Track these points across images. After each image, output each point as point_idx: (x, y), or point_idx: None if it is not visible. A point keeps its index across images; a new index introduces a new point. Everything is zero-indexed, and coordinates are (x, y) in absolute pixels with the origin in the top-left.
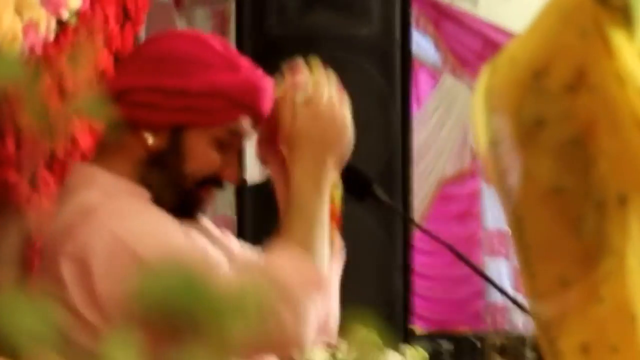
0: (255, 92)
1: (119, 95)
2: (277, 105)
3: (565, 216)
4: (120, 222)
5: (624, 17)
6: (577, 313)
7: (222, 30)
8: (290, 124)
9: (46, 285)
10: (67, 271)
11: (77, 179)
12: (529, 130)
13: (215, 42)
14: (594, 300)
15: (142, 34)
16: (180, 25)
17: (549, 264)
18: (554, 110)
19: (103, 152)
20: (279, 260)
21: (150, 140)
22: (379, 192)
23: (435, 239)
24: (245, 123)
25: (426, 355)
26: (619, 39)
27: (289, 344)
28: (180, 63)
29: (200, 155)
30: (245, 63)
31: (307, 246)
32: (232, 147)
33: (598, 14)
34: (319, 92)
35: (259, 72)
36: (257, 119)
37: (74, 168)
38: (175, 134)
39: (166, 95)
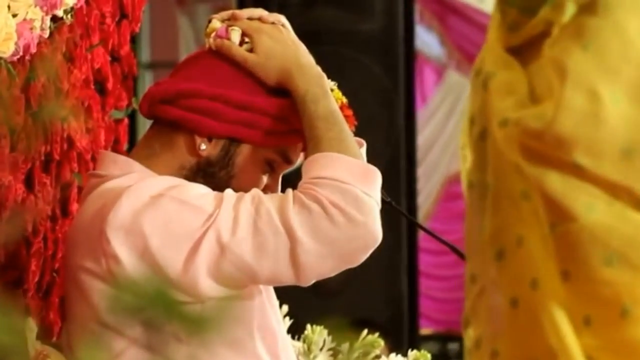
0: None
1: (176, 96)
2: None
3: (476, 212)
4: (154, 185)
5: None
6: (476, 307)
7: None
8: (252, 59)
9: (93, 265)
10: (119, 243)
11: (113, 167)
12: (468, 128)
13: None
14: (488, 292)
15: (144, 29)
16: (182, 21)
17: (469, 262)
18: (477, 106)
19: (146, 149)
20: (329, 167)
21: (203, 147)
22: (382, 193)
23: (440, 240)
24: (298, 149)
25: (429, 358)
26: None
27: (366, 240)
28: (248, 78)
29: (249, 172)
30: None
31: (343, 145)
32: (277, 172)
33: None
34: (246, 19)
35: None
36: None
37: (109, 157)
38: (230, 146)
39: (231, 106)
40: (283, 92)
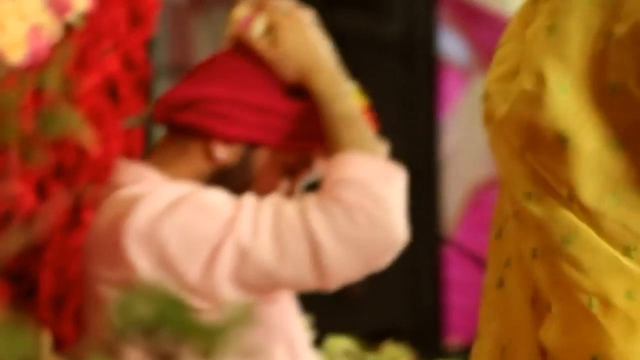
0: None
1: (190, 101)
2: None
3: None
4: (170, 192)
5: None
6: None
7: None
8: (271, 53)
9: (110, 274)
10: (136, 251)
11: (125, 175)
12: None
13: None
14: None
15: (160, 34)
16: (199, 25)
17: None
18: None
19: (161, 156)
20: (350, 168)
21: (220, 152)
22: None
23: (463, 250)
24: (317, 152)
25: None
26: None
27: (389, 241)
28: (264, 80)
29: (267, 177)
30: None
31: (364, 145)
32: (297, 176)
33: None
34: (273, 11)
35: None
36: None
37: (121, 165)
38: (247, 151)
39: (247, 110)
40: (301, 94)
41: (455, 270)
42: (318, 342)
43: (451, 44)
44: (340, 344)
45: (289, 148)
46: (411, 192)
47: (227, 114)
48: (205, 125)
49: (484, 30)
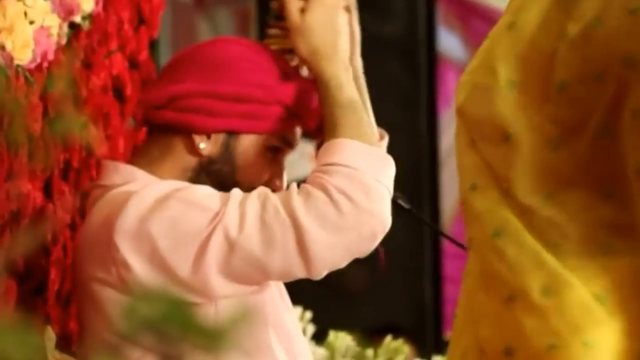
0: (309, 101)
1: (167, 100)
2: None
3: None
4: (159, 189)
5: None
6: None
7: (244, 31)
8: (295, 21)
9: (104, 274)
10: (128, 249)
11: (115, 176)
12: None
13: (266, 49)
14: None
15: (164, 34)
16: (202, 25)
17: None
18: None
19: (146, 156)
20: (340, 153)
21: (202, 145)
22: (402, 200)
23: (459, 245)
24: (298, 132)
25: None
26: None
27: (373, 227)
28: (236, 69)
29: (252, 163)
30: (295, 72)
31: (358, 132)
32: (281, 157)
33: None
34: None
35: (309, 81)
36: (307, 129)
37: (111, 166)
38: (229, 140)
39: (222, 100)
40: (277, 75)
41: (453, 265)
42: (319, 337)
43: (450, 41)
44: (342, 339)
45: (269, 131)
46: (413, 187)
47: (203, 107)
48: (184, 120)
49: (482, 26)
